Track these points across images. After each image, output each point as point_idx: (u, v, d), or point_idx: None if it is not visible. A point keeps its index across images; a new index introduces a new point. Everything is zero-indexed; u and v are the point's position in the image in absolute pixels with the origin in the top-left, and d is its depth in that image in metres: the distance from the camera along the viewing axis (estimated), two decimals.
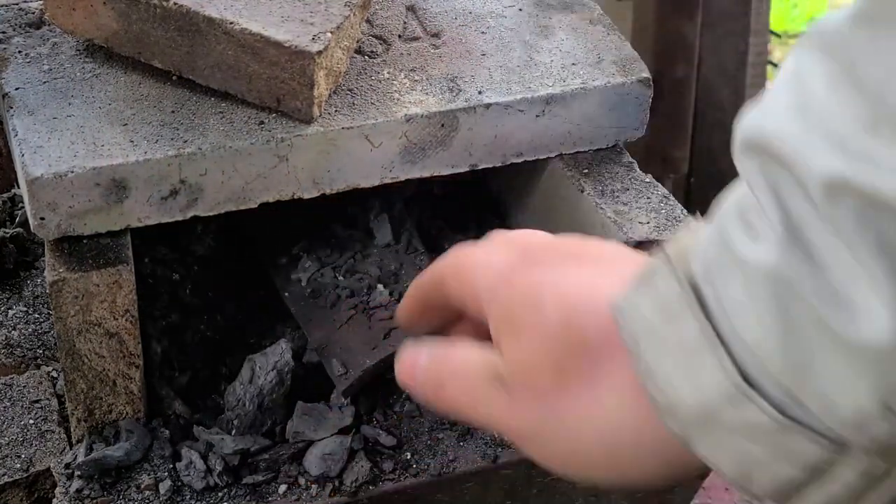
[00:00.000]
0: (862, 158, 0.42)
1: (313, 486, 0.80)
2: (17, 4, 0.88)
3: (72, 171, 0.74)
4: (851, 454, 0.48)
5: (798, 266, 0.46)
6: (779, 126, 0.45)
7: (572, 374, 0.56)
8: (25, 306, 0.93)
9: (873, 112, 0.42)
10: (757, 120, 0.47)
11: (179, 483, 0.79)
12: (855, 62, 0.43)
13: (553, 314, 0.56)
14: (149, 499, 0.78)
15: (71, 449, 0.81)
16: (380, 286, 0.88)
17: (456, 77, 0.85)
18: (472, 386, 0.60)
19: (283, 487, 0.80)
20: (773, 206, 0.47)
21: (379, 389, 0.87)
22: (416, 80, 0.85)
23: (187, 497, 0.78)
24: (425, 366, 0.63)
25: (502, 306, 0.59)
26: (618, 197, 0.86)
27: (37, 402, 0.85)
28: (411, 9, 0.92)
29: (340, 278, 0.89)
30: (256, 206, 0.80)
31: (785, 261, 0.47)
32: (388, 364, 0.81)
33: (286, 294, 0.89)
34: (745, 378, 0.49)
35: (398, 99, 0.83)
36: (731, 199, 0.50)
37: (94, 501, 0.77)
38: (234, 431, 0.82)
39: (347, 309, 0.86)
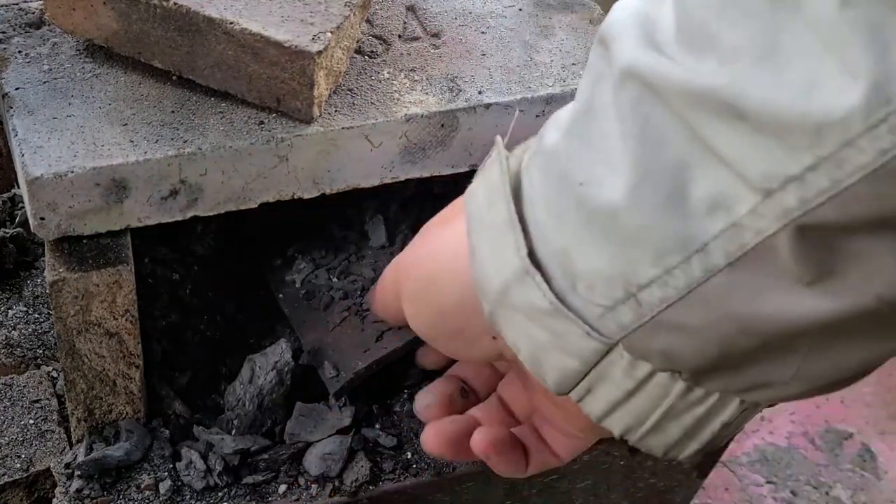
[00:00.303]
0: (660, 54, 0.46)
1: (313, 485, 0.81)
2: (17, 4, 0.88)
3: (72, 171, 0.74)
4: (616, 349, 0.52)
5: (573, 149, 0.50)
6: (617, 19, 0.49)
7: (432, 229, 0.67)
8: (25, 306, 0.94)
9: (679, 22, 0.46)
10: (613, 12, 0.51)
11: (179, 483, 0.79)
12: None
13: (446, 210, 0.69)
14: (149, 499, 0.78)
15: (71, 449, 0.81)
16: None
17: (456, 77, 0.85)
18: (390, 275, 0.73)
19: (282, 487, 0.80)
20: (584, 93, 0.51)
21: (379, 390, 0.87)
22: (416, 80, 0.85)
23: (187, 497, 0.78)
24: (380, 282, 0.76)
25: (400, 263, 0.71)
26: None
27: (37, 402, 0.85)
28: (411, 9, 0.92)
29: (335, 280, 0.89)
30: (256, 206, 0.80)
31: (564, 144, 0.51)
32: (379, 366, 0.82)
33: (280, 295, 0.90)
34: (533, 259, 0.52)
35: (398, 99, 0.83)
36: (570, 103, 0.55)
37: (94, 501, 0.77)
38: (234, 431, 0.82)
39: (340, 311, 0.86)
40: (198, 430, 0.81)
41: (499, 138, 0.58)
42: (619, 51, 0.48)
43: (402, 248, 0.92)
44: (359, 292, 0.88)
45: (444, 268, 0.62)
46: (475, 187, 0.58)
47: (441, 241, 0.64)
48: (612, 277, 0.49)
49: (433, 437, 0.70)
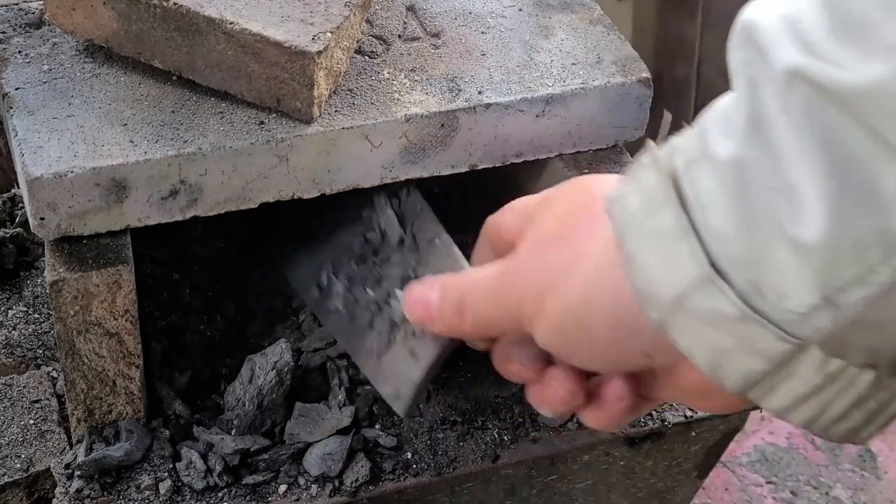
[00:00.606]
0: (822, 57, 0.46)
1: (313, 485, 0.81)
2: (17, 4, 0.88)
3: (72, 171, 0.74)
4: (809, 349, 0.51)
5: (757, 155, 0.49)
6: (767, 24, 0.49)
7: (574, 225, 0.62)
8: (25, 306, 0.94)
9: (835, 18, 0.46)
10: (754, 15, 0.50)
11: (179, 483, 0.79)
12: None
13: (569, 190, 0.65)
14: (149, 499, 0.78)
15: (71, 449, 0.81)
16: (398, 292, 0.85)
17: (456, 77, 0.85)
18: (487, 288, 0.66)
19: (283, 487, 0.80)
20: (746, 97, 0.50)
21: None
22: (416, 80, 0.85)
23: (187, 497, 0.78)
24: (440, 297, 0.69)
25: (543, 201, 0.66)
26: None
27: (37, 402, 0.86)
28: (411, 9, 0.92)
29: (369, 292, 0.87)
30: (256, 205, 0.80)
31: (745, 150, 0.50)
32: (434, 368, 0.78)
33: (331, 328, 0.87)
34: (714, 267, 0.51)
35: (398, 99, 0.83)
36: (717, 102, 0.53)
37: (95, 502, 0.77)
38: (233, 431, 0.82)
39: (381, 330, 0.83)
40: (198, 430, 0.81)
41: (652, 142, 0.56)
42: (777, 56, 0.47)
43: (414, 239, 0.90)
44: (386, 300, 0.86)
45: (588, 290, 0.59)
46: (623, 193, 0.56)
47: (572, 260, 0.60)
48: (808, 284, 0.49)
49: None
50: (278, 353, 0.82)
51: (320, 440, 0.82)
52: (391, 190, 0.87)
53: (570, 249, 0.61)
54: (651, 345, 0.57)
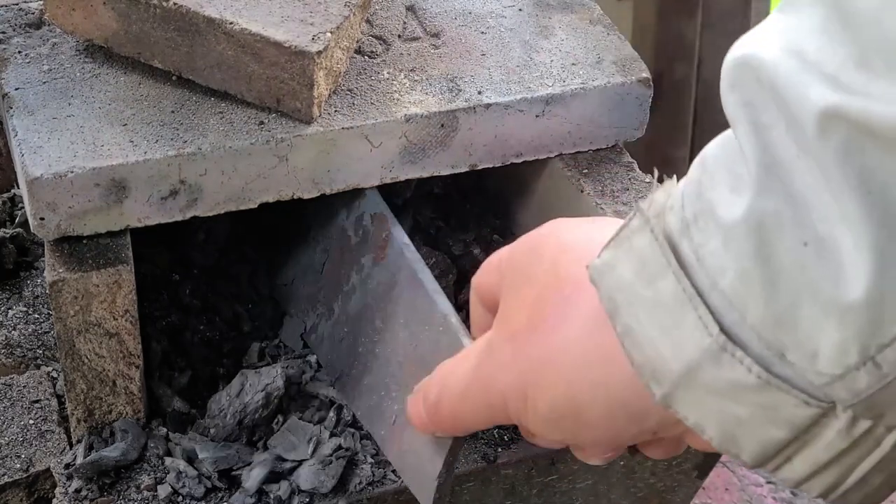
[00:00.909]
0: (854, 91, 0.42)
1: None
2: (17, 4, 0.88)
3: (72, 172, 0.74)
4: (835, 412, 0.47)
5: (777, 208, 0.45)
6: (773, 60, 0.44)
7: (545, 312, 0.57)
8: (25, 306, 0.93)
9: (864, 47, 0.42)
10: (750, 52, 0.46)
11: (178, 485, 0.79)
12: (841, 2, 0.43)
13: (547, 259, 0.58)
14: (148, 499, 0.78)
15: (71, 449, 0.81)
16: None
17: (456, 77, 0.85)
18: (461, 391, 0.62)
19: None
20: (753, 144, 0.46)
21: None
22: (416, 80, 0.85)
23: (188, 498, 0.78)
24: (424, 405, 0.66)
25: (510, 263, 0.61)
26: (618, 197, 0.86)
27: (37, 402, 0.85)
28: (411, 9, 0.92)
29: (364, 342, 0.84)
30: (256, 205, 0.80)
31: (762, 204, 0.45)
32: (452, 461, 0.72)
33: (352, 405, 0.84)
34: (727, 334, 0.48)
35: (398, 99, 0.83)
36: (708, 152, 0.49)
37: (94, 502, 0.77)
38: (210, 438, 0.81)
39: (390, 391, 0.80)
40: (175, 436, 0.81)
41: (642, 205, 0.51)
42: (805, 95, 0.43)
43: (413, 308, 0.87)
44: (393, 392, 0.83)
45: (574, 382, 0.55)
46: (610, 261, 0.51)
47: (549, 353, 0.56)
48: (845, 344, 0.44)
49: None
50: (272, 376, 0.81)
51: (304, 461, 0.80)
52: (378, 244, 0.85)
53: (544, 341, 0.57)
54: (655, 423, 0.54)
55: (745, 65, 0.45)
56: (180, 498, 0.78)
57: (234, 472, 0.79)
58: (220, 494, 0.79)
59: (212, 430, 0.81)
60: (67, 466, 0.79)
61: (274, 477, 0.78)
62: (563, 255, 0.58)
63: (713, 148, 0.49)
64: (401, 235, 0.83)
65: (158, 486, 0.77)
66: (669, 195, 0.50)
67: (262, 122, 0.79)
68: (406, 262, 0.81)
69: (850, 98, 0.42)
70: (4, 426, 0.84)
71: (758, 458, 0.50)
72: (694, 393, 0.49)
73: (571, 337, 0.55)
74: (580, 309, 0.55)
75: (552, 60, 0.88)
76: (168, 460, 0.79)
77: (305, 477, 0.78)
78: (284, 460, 0.79)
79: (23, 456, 0.82)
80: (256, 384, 0.81)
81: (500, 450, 0.85)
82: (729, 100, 0.47)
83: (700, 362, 0.48)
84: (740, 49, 0.46)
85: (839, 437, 0.48)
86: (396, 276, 0.81)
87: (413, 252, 0.81)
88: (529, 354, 0.57)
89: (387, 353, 0.80)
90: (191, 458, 0.79)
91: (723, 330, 0.47)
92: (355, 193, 0.86)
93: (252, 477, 0.78)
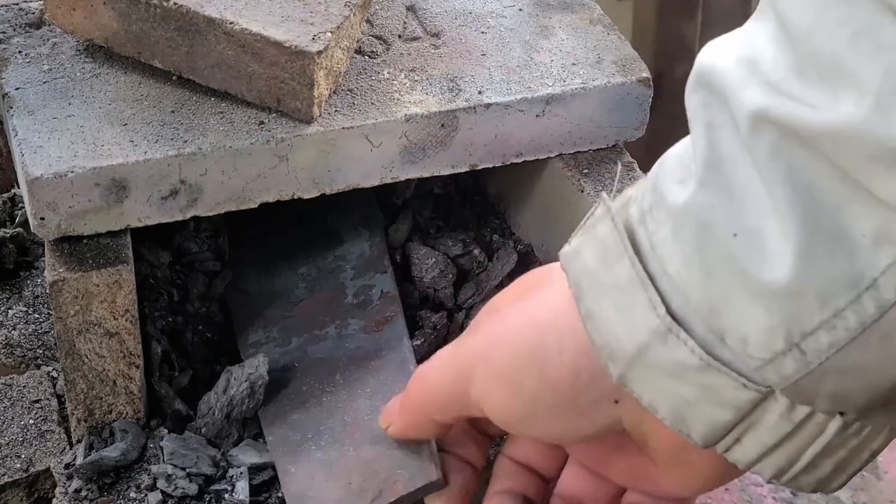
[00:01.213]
0: (787, 96, 0.45)
1: None
2: (17, 4, 0.88)
3: (72, 171, 0.74)
4: (775, 396, 0.50)
5: (715, 200, 0.48)
6: (725, 66, 0.48)
7: (529, 289, 0.62)
8: (25, 306, 0.93)
9: (801, 58, 0.45)
10: (710, 58, 0.49)
11: (175, 486, 0.79)
12: (784, 13, 0.46)
13: (510, 289, 0.65)
14: (149, 499, 0.78)
15: (71, 449, 0.81)
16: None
17: (456, 77, 0.85)
18: (441, 356, 0.66)
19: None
20: (703, 141, 0.49)
21: None
22: (416, 80, 0.85)
23: (189, 496, 0.78)
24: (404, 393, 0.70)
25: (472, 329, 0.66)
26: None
27: (37, 402, 0.85)
28: (411, 9, 0.92)
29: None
30: (256, 205, 0.80)
31: (702, 196, 0.49)
32: None
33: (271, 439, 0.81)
34: (673, 316, 0.50)
35: (398, 99, 0.83)
36: (671, 150, 0.53)
37: (94, 502, 0.77)
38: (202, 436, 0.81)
39: (320, 438, 0.79)
40: (157, 440, 0.80)
41: (604, 195, 0.55)
42: (739, 97, 0.47)
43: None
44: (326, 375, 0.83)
45: (546, 340, 0.58)
46: (577, 247, 0.55)
47: (529, 316, 0.60)
48: (771, 330, 0.47)
49: None
50: (254, 365, 0.81)
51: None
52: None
53: (524, 308, 0.60)
54: (617, 389, 0.56)
55: (703, 71, 0.49)
56: (181, 497, 0.78)
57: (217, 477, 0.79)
58: (209, 496, 0.78)
59: (203, 430, 0.81)
60: (67, 466, 0.79)
61: (265, 485, 0.79)
62: (524, 279, 0.65)
63: (675, 147, 0.52)
64: (403, 322, 0.86)
65: (149, 494, 0.77)
66: (637, 189, 0.54)
67: (262, 122, 0.79)
68: (402, 347, 0.84)
69: (779, 102, 0.45)
70: (4, 426, 0.84)
71: (707, 438, 0.52)
72: (645, 372, 0.52)
73: (533, 309, 0.59)
74: (544, 294, 0.59)
75: (552, 60, 0.88)
76: (155, 467, 0.78)
77: None
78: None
79: (23, 456, 0.82)
80: (241, 376, 0.81)
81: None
82: (689, 101, 0.50)
83: (649, 343, 0.51)
84: (704, 54, 0.50)
85: (781, 420, 0.50)
86: (384, 353, 0.83)
87: (409, 342, 0.85)
88: (507, 320, 0.61)
89: (335, 407, 0.80)
90: (176, 461, 0.79)
91: (670, 313, 0.50)
92: (357, 245, 0.90)
93: (239, 490, 0.77)
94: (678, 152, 0.52)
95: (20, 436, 0.83)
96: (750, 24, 0.49)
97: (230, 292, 0.92)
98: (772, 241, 0.46)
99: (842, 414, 0.50)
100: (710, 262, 0.49)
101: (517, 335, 0.60)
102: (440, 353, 0.67)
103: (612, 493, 0.68)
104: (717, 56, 0.49)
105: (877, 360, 0.47)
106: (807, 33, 0.45)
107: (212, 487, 0.78)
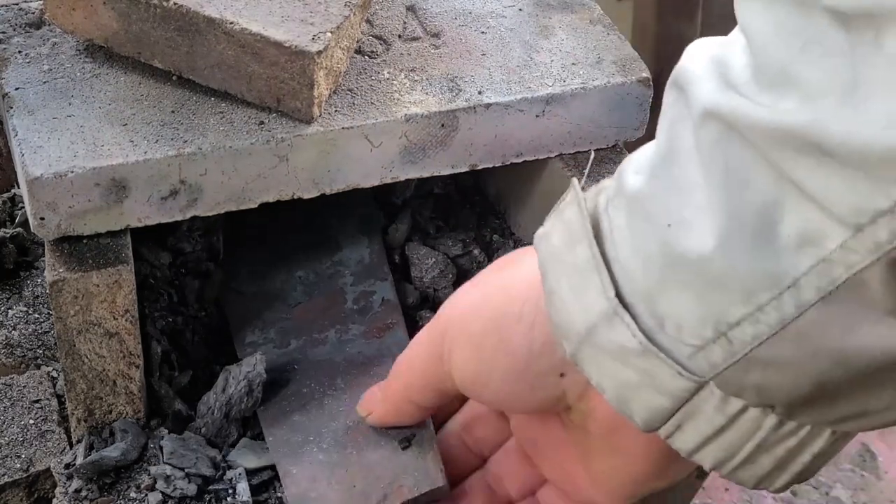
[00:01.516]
0: (739, 95, 0.47)
1: None
2: (17, 4, 0.88)
3: (72, 171, 0.74)
4: (710, 387, 0.51)
5: (658, 190, 0.51)
6: (696, 66, 0.50)
7: (508, 262, 0.65)
8: (25, 306, 0.93)
9: (758, 64, 0.47)
10: (687, 58, 0.52)
11: (174, 487, 0.79)
12: (745, 23, 0.48)
13: (491, 265, 0.68)
14: (149, 499, 0.78)
15: (71, 449, 0.81)
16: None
17: (456, 77, 0.85)
18: (424, 328, 0.69)
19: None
20: (663, 136, 0.52)
21: None
22: (416, 80, 0.85)
23: (189, 496, 0.78)
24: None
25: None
26: None
27: (37, 402, 0.85)
28: (411, 9, 0.92)
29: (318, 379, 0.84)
30: (256, 205, 0.80)
31: (650, 186, 0.51)
32: None
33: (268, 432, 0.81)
34: (622, 301, 0.52)
35: (398, 99, 0.83)
36: (644, 145, 0.55)
37: (94, 502, 0.77)
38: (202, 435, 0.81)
39: (321, 440, 0.79)
40: (158, 440, 0.80)
41: (575, 180, 0.57)
42: (697, 93, 0.49)
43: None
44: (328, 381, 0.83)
45: (511, 308, 0.61)
46: (548, 229, 0.58)
47: (502, 285, 0.63)
48: (701, 318, 0.49)
49: None
50: (252, 363, 0.81)
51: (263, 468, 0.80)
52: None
53: (500, 277, 0.64)
54: (563, 363, 0.59)
55: (678, 70, 0.52)
56: (182, 496, 0.78)
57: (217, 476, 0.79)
58: (209, 496, 0.78)
59: (203, 430, 0.81)
60: (67, 466, 0.79)
61: (263, 486, 0.79)
62: (499, 261, 0.68)
63: (649, 143, 0.54)
64: (405, 329, 0.86)
65: (149, 495, 0.77)
66: (610, 179, 0.57)
67: (262, 122, 0.79)
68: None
69: (730, 99, 0.47)
70: (4, 426, 0.84)
71: (648, 422, 0.54)
72: (593, 352, 0.54)
73: (506, 280, 0.63)
74: (519, 268, 0.62)
75: (552, 60, 0.88)
76: (154, 468, 0.78)
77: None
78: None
79: (23, 456, 0.82)
80: (238, 375, 0.81)
81: None
82: (665, 98, 0.53)
83: (597, 323, 0.53)
84: (685, 54, 0.52)
85: (716, 412, 0.52)
86: (386, 359, 0.82)
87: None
88: (465, 298, 0.66)
89: (336, 410, 0.80)
90: (175, 462, 0.79)
91: (619, 297, 0.52)
92: (356, 251, 0.90)
93: (240, 491, 0.77)
94: (647, 145, 0.54)
95: (20, 436, 0.83)
96: (735, 31, 0.51)
97: (226, 292, 0.92)
98: (700, 230, 0.48)
99: (771, 408, 0.52)
100: (650, 249, 0.51)
101: (488, 299, 0.63)
102: (417, 334, 0.70)
103: (533, 482, 0.71)
104: (694, 56, 0.51)
105: (795, 358, 0.48)
106: (764, 43, 0.47)
107: (211, 487, 0.78)
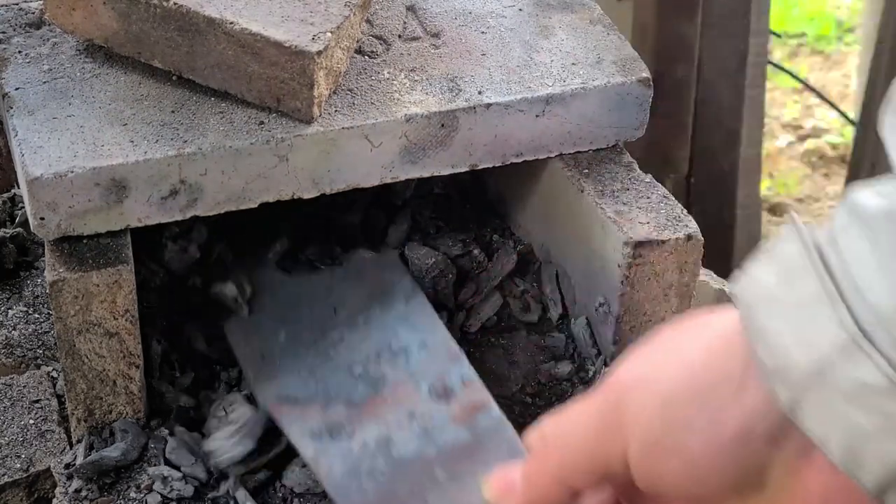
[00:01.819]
0: None
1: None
2: (17, 4, 0.88)
3: (72, 171, 0.74)
4: None
5: None
6: None
7: (682, 332, 0.56)
8: (25, 306, 0.93)
9: None
10: None
11: (172, 487, 0.79)
12: None
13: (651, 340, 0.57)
14: (148, 499, 0.78)
15: (71, 449, 0.81)
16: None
17: (456, 77, 0.85)
18: (581, 407, 0.58)
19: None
20: None
21: None
22: (416, 80, 0.85)
23: (189, 496, 0.78)
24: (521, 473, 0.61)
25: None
26: (618, 197, 0.86)
27: (37, 402, 0.85)
28: (411, 9, 0.92)
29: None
30: (256, 205, 0.80)
31: None
32: None
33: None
34: (862, 332, 0.45)
35: (398, 99, 0.83)
36: (860, 183, 0.49)
37: (94, 502, 0.77)
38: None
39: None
40: (160, 441, 0.80)
41: (794, 214, 0.50)
42: None
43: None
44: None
45: (713, 366, 0.53)
46: (758, 273, 0.50)
47: (692, 344, 0.54)
48: None
49: None
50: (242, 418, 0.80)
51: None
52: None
53: (683, 335, 0.55)
54: (777, 428, 0.50)
55: None
56: (182, 496, 0.78)
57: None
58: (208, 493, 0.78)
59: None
60: (67, 466, 0.79)
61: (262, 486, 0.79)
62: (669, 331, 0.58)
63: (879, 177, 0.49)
64: (497, 408, 0.80)
65: (148, 495, 0.77)
66: (822, 225, 0.50)
67: (262, 122, 0.79)
68: (507, 434, 0.78)
69: None
70: (4, 426, 0.84)
71: (880, 480, 0.46)
72: (823, 395, 0.47)
73: (707, 336, 0.54)
74: (721, 319, 0.54)
75: (552, 60, 0.88)
76: (152, 469, 0.78)
77: (294, 479, 0.79)
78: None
79: (23, 456, 0.82)
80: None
81: None
82: (887, 121, 0.48)
83: (831, 358, 0.46)
84: None
85: None
86: (486, 442, 0.77)
87: (508, 423, 0.79)
88: (658, 357, 0.56)
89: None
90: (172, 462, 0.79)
91: (859, 326, 0.46)
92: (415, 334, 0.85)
93: (240, 498, 0.77)
94: (870, 182, 0.48)
95: (20, 436, 0.83)
96: None
97: (273, 397, 0.82)
98: None
99: None
100: None
101: (677, 359, 0.54)
102: (566, 409, 0.59)
103: None
104: None
105: None
106: None
107: (210, 495, 0.78)
